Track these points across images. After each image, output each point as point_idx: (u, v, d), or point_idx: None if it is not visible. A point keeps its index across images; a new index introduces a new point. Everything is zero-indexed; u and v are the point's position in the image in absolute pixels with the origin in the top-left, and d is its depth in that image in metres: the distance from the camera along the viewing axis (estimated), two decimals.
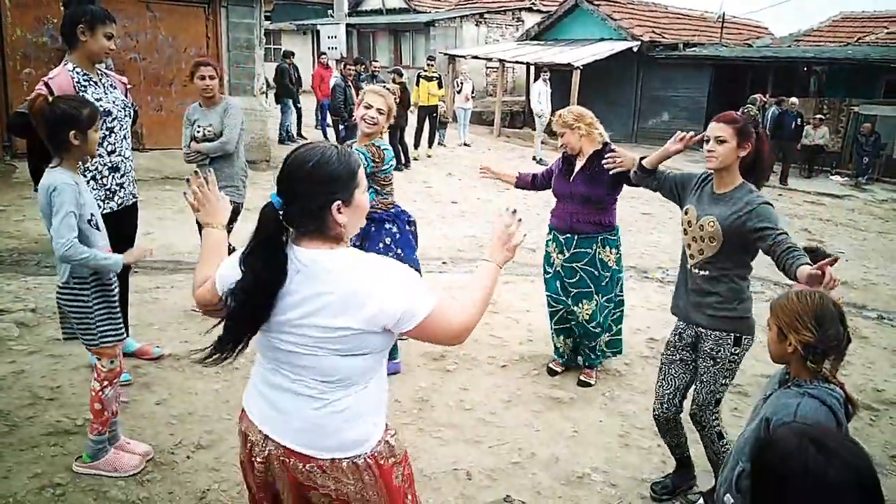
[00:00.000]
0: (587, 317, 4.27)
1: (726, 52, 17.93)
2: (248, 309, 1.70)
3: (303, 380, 1.75)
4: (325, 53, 15.87)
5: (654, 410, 3.25)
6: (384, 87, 4.11)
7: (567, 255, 4.28)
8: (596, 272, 4.25)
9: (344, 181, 1.73)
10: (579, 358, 4.47)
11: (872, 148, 14.01)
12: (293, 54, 14.14)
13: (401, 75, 11.99)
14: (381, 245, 4.00)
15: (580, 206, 4.21)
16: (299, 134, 14.28)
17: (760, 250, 2.83)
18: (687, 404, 3.19)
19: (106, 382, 3.01)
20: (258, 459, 1.81)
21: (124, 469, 3.09)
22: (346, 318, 1.67)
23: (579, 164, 4.24)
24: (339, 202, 1.71)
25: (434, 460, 3.44)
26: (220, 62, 10.78)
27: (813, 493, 1.37)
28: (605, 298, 4.31)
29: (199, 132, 4.68)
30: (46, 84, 3.37)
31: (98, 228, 2.95)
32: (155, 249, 3.09)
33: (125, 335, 3.09)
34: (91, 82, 3.52)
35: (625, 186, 4.01)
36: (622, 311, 4.53)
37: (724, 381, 3.02)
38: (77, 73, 3.48)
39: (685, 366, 3.13)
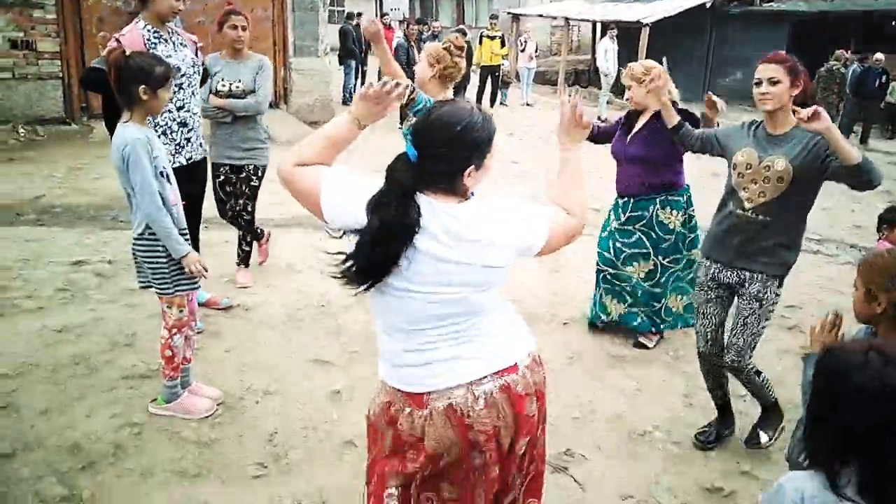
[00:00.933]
0: (643, 275, 4.16)
1: (805, 7, 16.98)
2: (381, 258, 1.69)
3: (466, 321, 1.81)
4: (387, 14, 15.80)
5: (698, 348, 3.25)
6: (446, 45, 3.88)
7: (623, 219, 4.17)
8: (654, 234, 4.10)
9: (483, 147, 1.75)
10: (638, 320, 4.27)
11: None
12: (358, 15, 14.13)
13: (465, 34, 11.82)
14: None
15: (636, 168, 4.06)
16: None
17: (830, 176, 2.76)
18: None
19: (175, 330, 3.13)
20: (478, 408, 1.78)
21: (196, 412, 3.21)
22: (482, 256, 1.74)
23: (640, 123, 4.09)
24: (472, 167, 1.74)
25: None
26: (286, 23, 10.88)
27: (875, 397, 1.37)
28: (667, 259, 4.16)
29: (223, 86, 4.26)
30: (118, 41, 3.45)
31: (169, 181, 3.03)
32: (208, 275, 3.17)
33: (199, 285, 3.18)
34: (161, 39, 3.59)
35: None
36: (685, 269, 4.25)
37: (764, 324, 3.04)
38: (147, 30, 3.56)
39: (721, 303, 3.16)
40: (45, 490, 2.68)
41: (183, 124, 3.73)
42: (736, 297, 3.12)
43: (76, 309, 4.17)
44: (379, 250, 1.68)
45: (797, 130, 2.84)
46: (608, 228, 4.30)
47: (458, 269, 1.73)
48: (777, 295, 3.03)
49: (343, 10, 22.07)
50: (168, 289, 3.04)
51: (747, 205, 2.94)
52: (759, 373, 3.16)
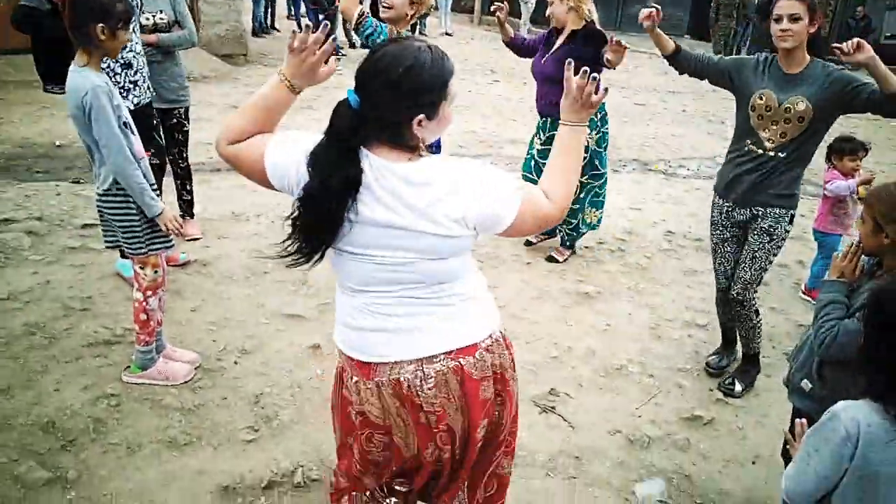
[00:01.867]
0: None
1: None
2: (321, 218, 1.54)
3: (421, 289, 1.66)
4: None
5: (719, 284, 3.37)
6: None
7: (544, 138, 4.34)
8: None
9: (434, 93, 1.53)
10: (558, 235, 4.64)
11: (861, 32, 13.74)
12: None
13: None
14: None
15: (552, 88, 4.07)
16: (272, 26, 13.58)
17: (857, 106, 2.81)
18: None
19: (149, 293, 2.94)
20: (427, 387, 1.66)
21: (175, 377, 3.07)
22: (429, 224, 1.54)
23: (558, 42, 4.16)
24: (422, 115, 1.52)
25: None
26: None
27: None
28: (584, 177, 4.39)
29: (147, 20, 3.89)
30: None
31: (133, 132, 2.79)
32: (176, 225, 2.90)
33: (173, 243, 2.99)
34: None
35: (606, 71, 3.90)
36: (603, 185, 4.52)
37: (772, 258, 3.17)
38: None
39: (737, 241, 3.26)
40: (25, 474, 2.50)
41: (127, 66, 3.41)
42: (749, 233, 3.18)
43: (16, 273, 3.84)
44: (319, 211, 1.53)
45: (814, 68, 2.88)
46: (531, 151, 4.48)
47: (406, 235, 1.56)
48: (787, 231, 3.13)
49: None
50: (141, 248, 2.84)
51: (768, 144, 3.00)
52: (757, 312, 3.30)
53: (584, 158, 4.18)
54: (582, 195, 4.42)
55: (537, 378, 3.38)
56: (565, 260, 4.59)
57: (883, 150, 8.40)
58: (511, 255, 4.66)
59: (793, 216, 3.12)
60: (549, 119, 4.27)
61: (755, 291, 3.23)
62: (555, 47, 4.17)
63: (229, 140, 1.64)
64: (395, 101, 1.51)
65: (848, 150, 4.10)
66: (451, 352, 1.68)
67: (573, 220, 4.46)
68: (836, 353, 2.04)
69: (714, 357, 3.56)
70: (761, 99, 2.97)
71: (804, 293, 4.39)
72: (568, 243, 4.62)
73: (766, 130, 2.99)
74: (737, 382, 3.38)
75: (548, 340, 3.70)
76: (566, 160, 1.72)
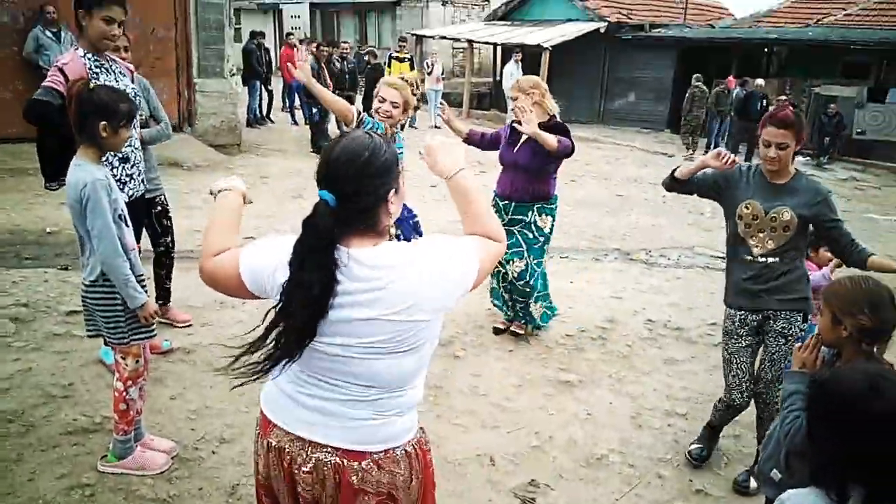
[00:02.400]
0: (516, 274, 4.57)
1: (691, 33, 18.19)
2: (305, 321, 1.55)
3: (347, 386, 1.66)
4: (291, 34, 15.60)
5: (732, 400, 3.30)
6: (402, 77, 4.05)
7: (505, 219, 4.51)
8: (531, 234, 4.54)
9: (394, 168, 1.64)
10: (510, 313, 4.86)
11: (834, 128, 14.42)
12: (262, 34, 13.86)
13: (375, 56, 11.88)
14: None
15: (522, 175, 4.43)
16: (268, 116, 14.04)
17: (822, 236, 3.05)
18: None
19: (130, 382, 2.96)
20: (304, 470, 1.68)
21: (151, 467, 3.04)
22: (407, 311, 1.58)
23: (524, 135, 4.36)
24: (392, 191, 1.64)
25: (458, 447, 3.48)
26: (189, 43, 10.51)
27: (890, 421, 1.44)
28: (535, 261, 4.59)
29: None
30: (61, 70, 3.23)
31: (126, 224, 2.88)
32: (158, 315, 3.02)
33: (155, 333, 3.03)
34: (103, 69, 3.39)
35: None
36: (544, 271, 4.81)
37: (789, 358, 3.15)
38: (88, 59, 3.35)
39: (751, 350, 3.26)
40: None
41: (125, 160, 3.53)
42: (765, 337, 3.21)
43: None
44: (305, 309, 1.54)
45: (799, 181, 3.06)
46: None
47: (369, 326, 1.59)
48: (801, 330, 3.14)
49: (240, 28, 21.60)
50: (123, 338, 2.87)
51: (756, 251, 3.12)
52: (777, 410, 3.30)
53: (540, 241, 4.57)
54: (532, 280, 4.60)
55: (518, 469, 3.37)
56: (524, 332, 4.82)
57: None
58: (494, 343, 4.71)
59: (806, 315, 3.16)
60: (512, 202, 4.51)
61: (777, 390, 3.18)
62: (524, 138, 4.35)
63: (210, 253, 1.72)
64: (369, 184, 1.59)
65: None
66: (338, 449, 1.68)
67: (524, 303, 4.70)
68: (801, 443, 2.08)
69: (696, 447, 3.54)
70: (747, 209, 3.09)
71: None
72: (523, 321, 4.83)
73: (754, 238, 3.11)
74: (752, 480, 3.29)
75: (529, 429, 3.70)
76: (477, 201, 1.82)
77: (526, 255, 4.53)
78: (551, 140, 4.14)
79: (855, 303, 2.08)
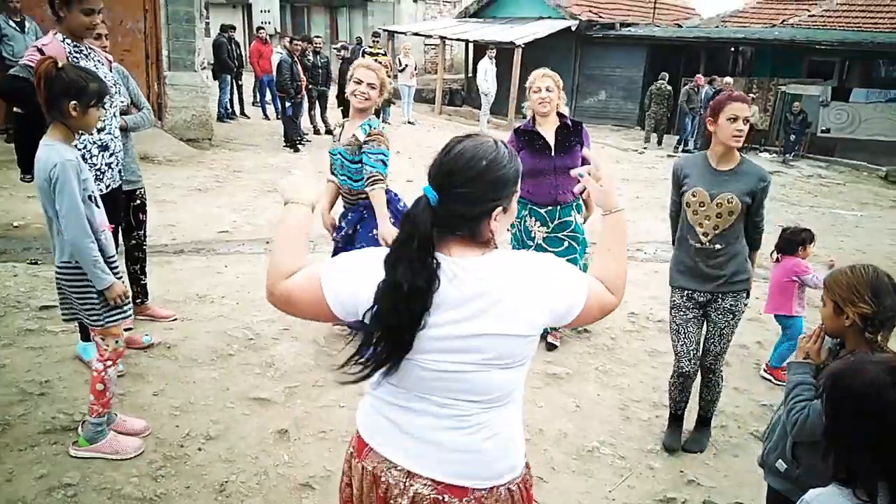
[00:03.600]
0: None
1: (660, 32, 18.37)
2: (397, 326, 1.46)
3: (455, 404, 1.55)
4: (262, 28, 15.35)
5: (681, 368, 3.41)
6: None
7: (552, 225, 4.37)
8: (579, 235, 4.42)
9: (512, 185, 1.54)
10: None
11: (799, 126, 14.69)
12: (233, 28, 13.62)
13: (347, 49, 11.78)
14: (373, 232, 3.88)
15: (563, 178, 4.24)
16: (242, 112, 13.82)
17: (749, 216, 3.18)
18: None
19: (110, 362, 2.92)
20: (402, 501, 1.57)
21: (125, 451, 2.99)
22: (512, 324, 1.50)
23: (550, 134, 4.27)
24: (500, 208, 1.52)
25: None
26: (159, 36, 10.28)
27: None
28: (583, 263, 4.44)
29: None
30: (40, 50, 3.14)
31: (98, 205, 2.82)
32: (128, 298, 2.93)
33: (130, 313, 2.98)
34: (82, 55, 3.29)
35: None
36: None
37: (734, 332, 3.37)
38: (68, 43, 3.25)
39: (697, 323, 3.38)
40: None
41: (104, 148, 3.42)
42: (711, 313, 3.34)
43: None
44: (401, 314, 1.45)
45: (745, 166, 3.16)
46: (535, 241, 4.40)
47: (472, 341, 1.50)
48: (746, 305, 3.35)
49: (209, 23, 21.23)
50: (99, 319, 2.82)
51: (704, 238, 3.21)
52: (723, 378, 3.50)
53: (582, 239, 4.41)
54: None
55: None
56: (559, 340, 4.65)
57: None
58: None
59: (748, 292, 3.34)
60: (558, 207, 4.34)
61: (723, 362, 3.48)
62: (555, 139, 4.26)
63: (282, 275, 1.58)
64: (480, 192, 1.49)
65: (810, 240, 4.38)
66: (438, 483, 1.57)
67: None
68: (808, 433, 2.08)
69: (670, 438, 3.59)
70: (694, 196, 3.19)
71: (766, 371, 4.48)
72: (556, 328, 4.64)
73: (702, 225, 3.20)
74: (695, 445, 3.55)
75: None
76: (617, 247, 1.74)
77: (579, 259, 4.36)
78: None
79: (857, 291, 2.09)
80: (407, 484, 1.57)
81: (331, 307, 1.53)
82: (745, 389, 4.27)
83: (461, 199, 1.48)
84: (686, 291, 3.33)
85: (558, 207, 4.35)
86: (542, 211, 4.36)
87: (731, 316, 3.31)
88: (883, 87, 15.37)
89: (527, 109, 4.42)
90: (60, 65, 2.62)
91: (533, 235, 4.44)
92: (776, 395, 4.18)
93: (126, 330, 3.95)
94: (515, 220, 4.21)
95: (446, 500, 1.56)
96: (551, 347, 4.54)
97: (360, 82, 3.78)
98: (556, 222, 4.37)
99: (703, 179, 3.19)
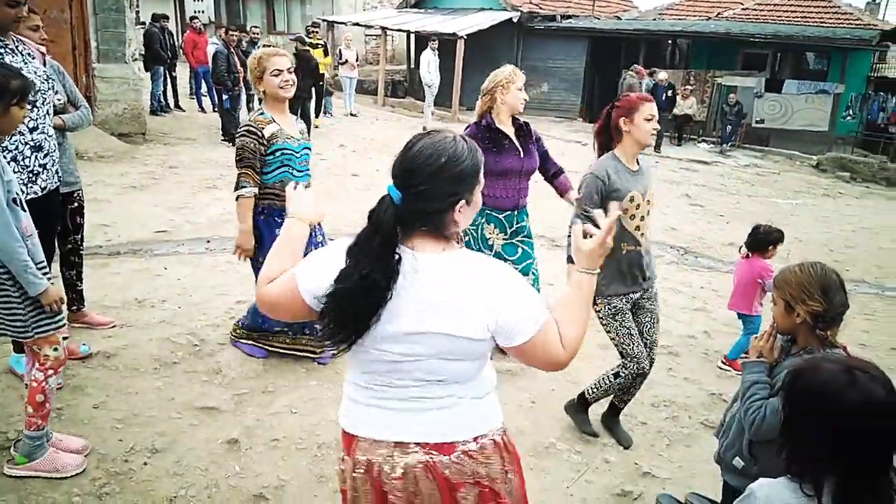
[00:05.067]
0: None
1: (601, 24, 18.61)
2: (350, 314, 1.54)
3: (417, 384, 1.63)
4: (196, 17, 14.89)
5: (642, 368, 3.36)
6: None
7: (510, 231, 4.15)
8: (529, 239, 4.24)
9: (472, 179, 1.60)
10: None
11: (735, 117, 15.13)
12: (166, 18, 13.14)
13: (304, 43, 11.53)
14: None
15: (525, 180, 4.12)
16: (177, 105, 13.37)
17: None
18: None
19: (51, 371, 2.76)
20: (394, 476, 1.63)
21: (65, 469, 2.84)
22: (460, 326, 1.55)
23: (510, 133, 4.00)
24: (463, 201, 1.58)
25: None
26: (86, 26, 9.84)
27: (864, 412, 1.45)
28: (536, 267, 4.32)
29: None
30: None
31: (23, 209, 2.64)
32: (63, 303, 2.80)
33: (63, 322, 2.81)
34: (7, 50, 3.07)
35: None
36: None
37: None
38: None
39: (635, 319, 3.42)
40: None
41: (37, 148, 3.22)
42: (645, 303, 3.41)
43: None
44: (356, 303, 1.52)
45: (640, 161, 3.27)
46: (493, 250, 4.15)
47: (424, 337, 1.57)
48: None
49: (139, 11, 20.46)
50: (26, 331, 2.66)
51: (643, 239, 3.25)
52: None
53: (533, 244, 4.29)
54: (537, 287, 4.33)
55: None
56: None
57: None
58: None
59: None
60: (515, 211, 4.14)
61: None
62: (518, 140, 4.03)
63: (268, 279, 1.71)
64: (440, 188, 1.54)
65: (780, 240, 4.46)
66: (425, 445, 1.63)
67: None
68: (765, 432, 2.11)
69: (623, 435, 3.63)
70: (632, 200, 3.17)
71: (724, 363, 4.57)
72: None
73: (639, 228, 3.24)
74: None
75: None
76: (584, 310, 1.69)
77: (533, 266, 4.24)
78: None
79: (806, 289, 2.12)
80: (396, 458, 1.63)
81: (308, 304, 1.62)
82: (694, 380, 4.35)
83: (423, 196, 1.54)
84: (626, 295, 3.31)
85: (516, 212, 4.15)
86: (502, 216, 4.11)
87: (656, 303, 3.44)
88: (813, 78, 15.96)
89: (501, 105, 3.97)
90: None
91: (491, 243, 4.17)
92: (726, 385, 4.27)
93: (62, 339, 3.77)
94: (471, 228, 4.13)
95: (435, 460, 1.63)
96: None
97: (280, 72, 3.58)
98: (513, 228, 4.16)
99: (630, 182, 3.17)
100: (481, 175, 1.63)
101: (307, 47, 11.65)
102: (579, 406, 3.67)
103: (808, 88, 15.41)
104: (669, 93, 14.80)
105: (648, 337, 3.43)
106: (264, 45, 12.39)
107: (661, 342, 4.72)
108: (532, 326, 1.58)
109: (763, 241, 4.46)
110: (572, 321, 1.66)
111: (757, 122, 15.70)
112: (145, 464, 3.01)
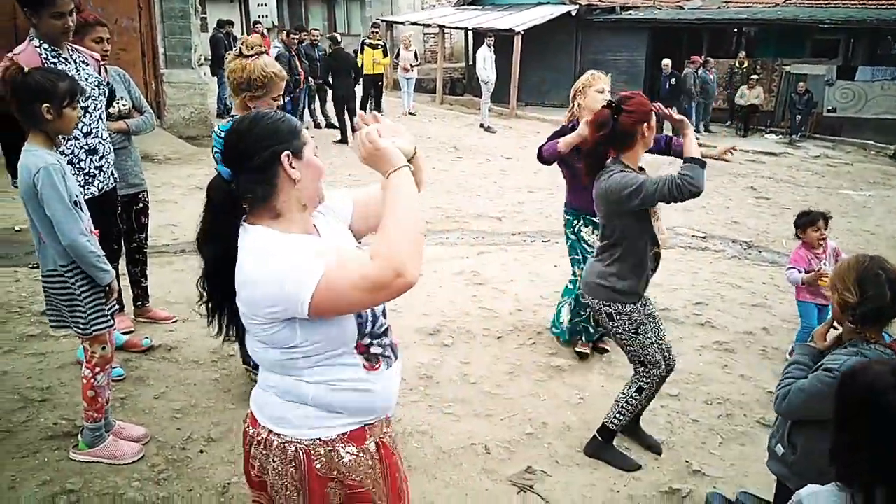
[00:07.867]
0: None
1: (662, 15, 18.19)
2: (212, 289, 1.68)
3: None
4: (259, 22, 15.31)
5: (670, 363, 3.33)
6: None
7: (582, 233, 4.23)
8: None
9: (286, 133, 1.59)
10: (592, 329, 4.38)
11: (805, 106, 14.55)
12: (231, 23, 13.56)
13: (337, 42, 11.74)
14: None
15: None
16: None
17: None
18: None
19: (98, 369, 2.92)
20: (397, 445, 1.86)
21: (124, 457, 2.99)
22: (246, 303, 1.55)
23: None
24: (288, 152, 1.56)
25: (450, 437, 3.42)
26: (154, 33, 10.25)
27: None
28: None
29: (114, 108, 3.87)
30: (11, 60, 3.10)
31: (83, 210, 2.81)
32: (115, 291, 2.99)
33: (113, 323, 2.97)
34: (60, 58, 3.27)
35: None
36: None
37: None
38: (45, 49, 3.23)
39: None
40: None
41: (92, 151, 3.40)
42: (651, 310, 3.30)
43: None
44: (210, 284, 1.67)
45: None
46: (585, 243, 4.21)
47: (245, 314, 1.60)
48: None
49: (206, 18, 21.16)
50: (85, 328, 2.83)
51: (660, 238, 3.14)
52: None
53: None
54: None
55: (513, 456, 3.32)
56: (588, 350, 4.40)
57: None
58: (482, 330, 4.65)
59: None
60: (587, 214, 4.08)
61: None
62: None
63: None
64: (255, 142, 1.56)
65: (808, 223, 4.28)
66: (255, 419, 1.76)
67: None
68: (787, 410, 2.08)
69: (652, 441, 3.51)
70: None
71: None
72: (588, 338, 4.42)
73: (659, 229, 3.13)
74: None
75: (522, 416, 3.66)
76: (395, 212, 1.51)
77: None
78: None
79: (844, 278, 2.07)
80: (384, 427, 1.78)
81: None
82: (750, 377, 4.24)
83: (241, 156, 1.57)
84: (640, 301, 3.18)
85: (584, 214, 4.15)
86: (581, 216, 4.17)
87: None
88: (889, 64, 15.18)
89: (580, 110, 4.01)
90: (27, 70, 2.62)
91: (592, 244, 4.03)
92: None
93: (126, 333, 3.98)
94: (569, 231, 4.28)
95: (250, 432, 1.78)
96: (602, 351, 4.41)
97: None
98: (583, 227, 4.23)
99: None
100: (304, 137, 1.61)
101: (341, 45, 11.80)
102: (605, 440, 3.34)
103: (883, 75, 14.66)
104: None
105: (663, 341, 3.32)
106: (368, 45, 12.70)
107: (716, 338, 4.67)
108: (303, 295, 1.45)
109: (797, 223, 4.38)
110: (386, 232, 1.49)
111: (828, 110, 15.05)
112: (201, 451, 3.14)
